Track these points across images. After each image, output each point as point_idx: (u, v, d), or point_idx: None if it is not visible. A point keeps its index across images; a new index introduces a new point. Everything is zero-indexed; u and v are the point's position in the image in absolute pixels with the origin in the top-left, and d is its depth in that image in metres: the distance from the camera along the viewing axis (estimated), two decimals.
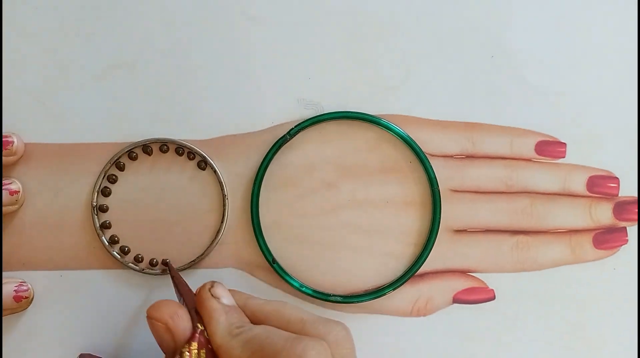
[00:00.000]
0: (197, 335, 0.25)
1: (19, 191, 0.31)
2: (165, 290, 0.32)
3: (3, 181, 0.31)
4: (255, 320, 0.26)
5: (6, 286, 0.30)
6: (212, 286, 0.26)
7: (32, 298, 0.31)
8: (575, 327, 0.33)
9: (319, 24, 0.33)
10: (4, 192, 0.30)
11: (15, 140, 0.31)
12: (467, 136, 0.33)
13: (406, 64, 0.33)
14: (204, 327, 0.25)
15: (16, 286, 0.31)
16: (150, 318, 0.25)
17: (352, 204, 0.32)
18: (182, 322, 0.25)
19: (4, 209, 0.31)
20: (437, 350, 0.32)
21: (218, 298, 0.26)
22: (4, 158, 0.31)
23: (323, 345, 0.24)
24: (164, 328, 0.25)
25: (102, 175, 0.32)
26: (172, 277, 0.30)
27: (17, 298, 0.30)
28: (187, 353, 0.24)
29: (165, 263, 0.32)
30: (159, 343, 0.25)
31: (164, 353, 0.25)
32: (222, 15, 0.32)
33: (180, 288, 0.28)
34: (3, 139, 0.30)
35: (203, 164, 0.32)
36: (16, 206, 0.31)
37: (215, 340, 0.25)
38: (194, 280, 0.32)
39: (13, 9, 0.32)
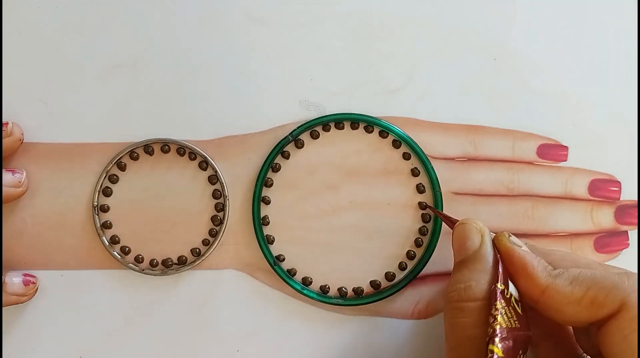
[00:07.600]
0: (497, 292, 0.24)
1: (23, 173, 0.31)
2: (165, 291, 0.32)
3: (6, 168, 0.31)
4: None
5: (14, 278, 0.30)
6: (509, 236, 0.26)
7: (37, 290, 0.31)
8: None
9: (322, 26, 0.33)
10: (6, 173, 0.30)
11: (10, 123, 0.31)
12: (469, 139, 0.33)
13: (408, 67, 0.33)
14: (509, 280, 0.25)
15: (23, 274, 0.31)
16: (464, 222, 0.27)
17: (353, 206, 0.32)
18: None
19: (8, 191, 0.30)
20: (437, 353, 0.32)
21: (520, 246, 0.26)
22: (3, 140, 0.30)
23: None
24: (475, 230, 0.26)
25: (104, 175, 0.32)
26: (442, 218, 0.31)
27: (26, 283, 0.30)
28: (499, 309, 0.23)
29: (424, 206, 0.32)
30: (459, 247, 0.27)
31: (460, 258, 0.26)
32: (225, 15, 0.32)
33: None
34: None
35: (204, 164, 0.32)
36: (20, 188, 0.31)
37: (538, 284, 0.24)
38: (193, 282, 0.32)
39: (13, 9, 0.32)
